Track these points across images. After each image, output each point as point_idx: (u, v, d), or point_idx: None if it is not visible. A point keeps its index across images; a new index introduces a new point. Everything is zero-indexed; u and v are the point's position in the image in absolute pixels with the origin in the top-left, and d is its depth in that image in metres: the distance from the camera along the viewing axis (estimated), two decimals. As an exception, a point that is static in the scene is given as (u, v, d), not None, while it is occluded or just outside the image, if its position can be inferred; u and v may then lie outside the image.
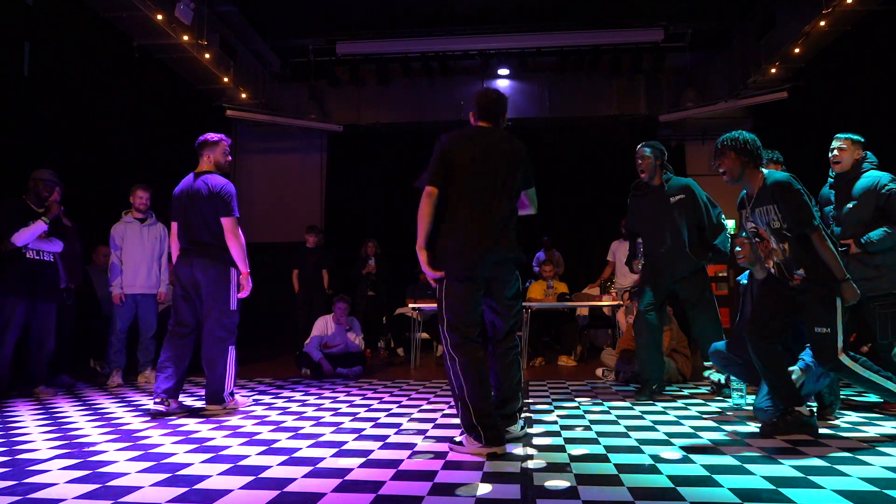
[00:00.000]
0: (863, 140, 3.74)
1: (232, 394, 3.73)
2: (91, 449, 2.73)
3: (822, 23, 6.37)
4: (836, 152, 3.75)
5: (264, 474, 2.31)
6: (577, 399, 4.07)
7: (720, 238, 4.16)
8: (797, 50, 6.93)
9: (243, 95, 8.31)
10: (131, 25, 6.59)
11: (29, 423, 3.37)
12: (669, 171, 4.29)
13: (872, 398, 3.73)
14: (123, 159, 7.09)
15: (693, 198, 4.14)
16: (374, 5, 7.81)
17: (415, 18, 8.18)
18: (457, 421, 2.80)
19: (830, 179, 3.90)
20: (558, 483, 2.16)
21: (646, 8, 7.81)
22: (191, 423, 3.32)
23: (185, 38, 6.75)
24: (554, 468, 2.35)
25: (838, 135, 3.76)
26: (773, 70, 7.44)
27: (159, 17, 6.30)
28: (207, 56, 7.23)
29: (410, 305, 6.70)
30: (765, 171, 3.00)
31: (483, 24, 8.15)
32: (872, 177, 3.62)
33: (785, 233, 2.91)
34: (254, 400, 4.15)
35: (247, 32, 8.26)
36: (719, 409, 3.65)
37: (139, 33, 6.74)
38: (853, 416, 3.35)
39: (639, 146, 4.29)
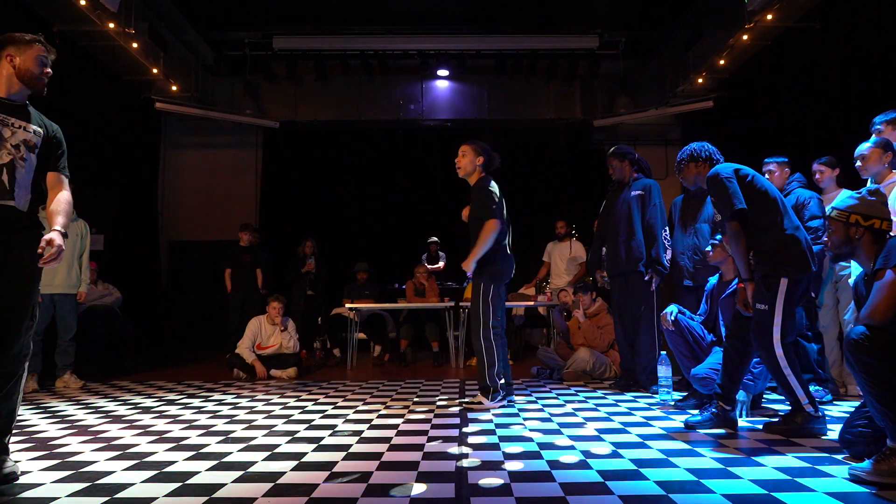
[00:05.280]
0: None
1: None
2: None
3: (745, 37, 6.71)
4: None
5: (192, 480, 2.24)
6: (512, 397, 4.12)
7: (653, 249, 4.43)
8: (722, 61, 7.27)
9: (174, 88, 7.98)
10: (52, 9, 6.19)
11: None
12: (643, 173, 4.63)
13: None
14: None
15: (649, 196, 4.47)
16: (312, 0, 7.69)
17: (354, 15, 8.10)
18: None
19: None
20: (492, 481, 2.18)
21: (582, 15, 8.02)
22: (112, 430, 3.18)
23: (111, 25, 6.42)
24: (488, 466, 2.38)
25: None
26: (700, 80, 7.78)
27: (83, 2, 5.96)
28: (135, 45, 6.90)
29: (347, 305, 6.62)
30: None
31: (423, 24, 8.15)
32: None
33: (719, 224, 3.06)
34: (183, 403, 4.01)
35: (179, 23, 7.94)
36: (647, 405, 3.79)
37: (61, 18, 6.34)
38: (771, 410, 3.53)
39: (609, 152, 4.73)
